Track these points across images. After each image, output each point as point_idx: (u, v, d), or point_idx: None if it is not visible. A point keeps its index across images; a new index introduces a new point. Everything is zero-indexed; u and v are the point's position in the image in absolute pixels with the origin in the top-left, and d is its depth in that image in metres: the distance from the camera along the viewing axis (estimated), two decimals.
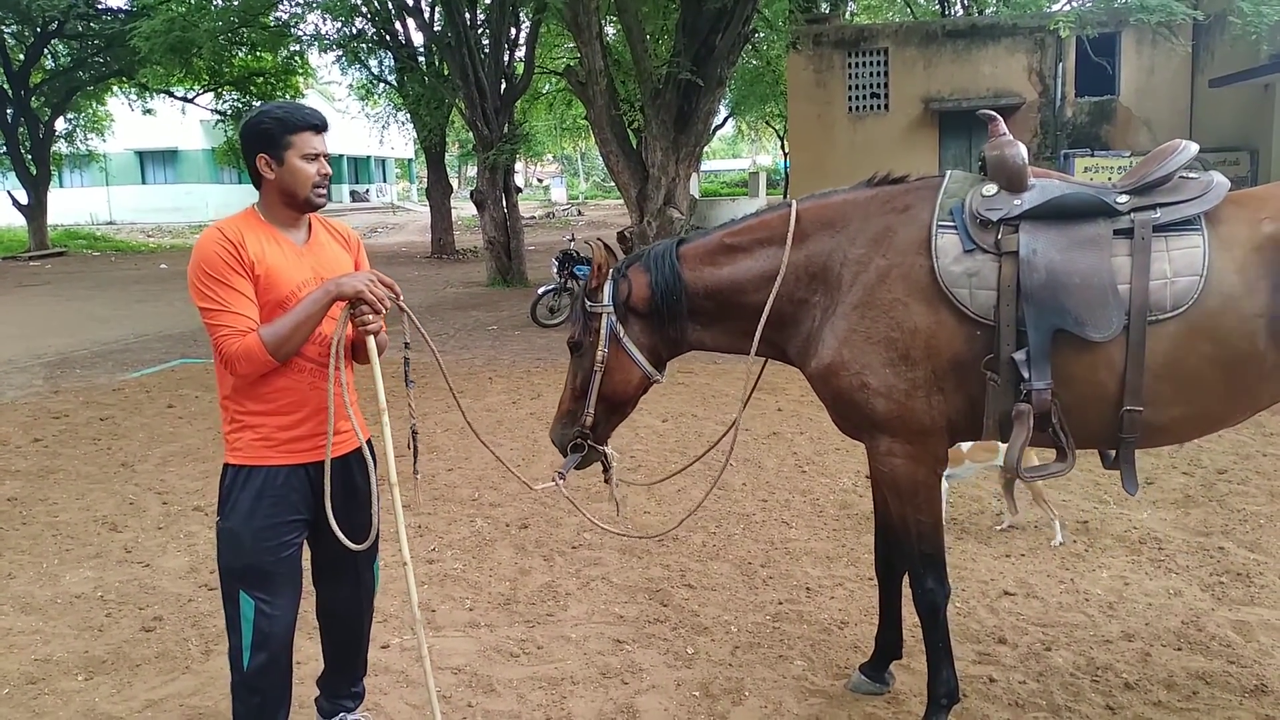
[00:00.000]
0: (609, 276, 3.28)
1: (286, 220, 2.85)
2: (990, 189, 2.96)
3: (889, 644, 3.57)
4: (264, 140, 2.74)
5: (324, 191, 2.85)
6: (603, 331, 3.26)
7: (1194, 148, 2.92)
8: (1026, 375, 2.82)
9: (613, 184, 14.86)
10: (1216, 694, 3.46)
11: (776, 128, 40.54)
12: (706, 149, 28.84)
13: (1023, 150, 2.98)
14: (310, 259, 2.85)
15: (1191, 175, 2.88)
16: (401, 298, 2.88)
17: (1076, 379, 2.85)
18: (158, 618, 4.33)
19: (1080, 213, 2.88)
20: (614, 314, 3.26)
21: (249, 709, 2.88)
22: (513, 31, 19.71)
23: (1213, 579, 4.44)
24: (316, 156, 2.78)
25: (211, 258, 2.68)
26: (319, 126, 2.80)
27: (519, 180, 25.75)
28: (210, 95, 28.99)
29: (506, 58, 19.44)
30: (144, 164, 42.77)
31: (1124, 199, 2.88)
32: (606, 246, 3.31)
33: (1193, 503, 5.46)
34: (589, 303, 3.30)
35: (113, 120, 33.40)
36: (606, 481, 3.59)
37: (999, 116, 3.13)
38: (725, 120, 36.43)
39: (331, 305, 2.74)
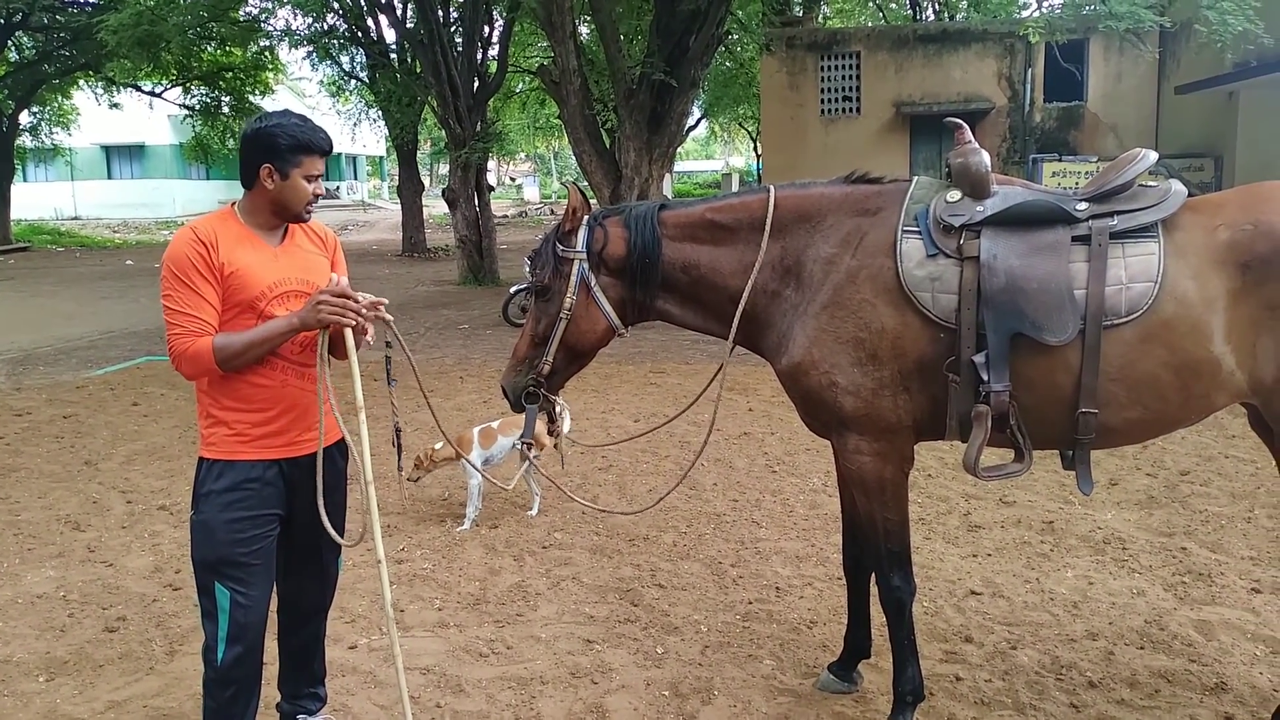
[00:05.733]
0: (583, 223, 3.24)
1: (265, 224, 2.88)
2: (954, 195, 3.00)
3: (857, 643, 3.59)
4: (273, 152, 2.77)
5: (313, 208, 2.90)
6: (573, 278, 3.21)
7: (1153, 156, 2.98)
8: (985, 377, 2.87)
9: (586, 183, 14.84)
10: (1178, 692, 3.51)
11: (750, 129, 40.68)
12: (680, 150, 28.87)
13: (986, 158, 3.03)
14: (285, 260, 2.88)
15: (1150, 183, 2.94)
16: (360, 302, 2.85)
17: (1034, 381, 2.91)
18: (121, 618, 4.27)
19: (1040, 219, 2.93)
20: (586, 261, 3.22)
21: (220, 704, 2.88)
22: (486, 29, 19.64)
23: (1175, 579, 4.51)
24: (316, 177, 2.84)
25: (180, 258, 2.72)
26: (327, 152, 2.86)
27: (492, 179, 25.70)
28: (178, 90, 28.62)
29: (480, 56, 19.35)
30: (110, 159, 42.19)
31: (1083, 206, 2.93)
32: (581, 191, 3.27)
33: (1156, 504, 5.54)
34: (561, 247, 3.24)
35: (78, 114, 32.92)
36: (551, 434, 3.60)
37: (965, 125, 3.16)
38: (699, 121, 36.50)
39: (291, 335, 2.78)
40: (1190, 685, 3.55)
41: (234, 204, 2.89)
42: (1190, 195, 3.01)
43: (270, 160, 2.76)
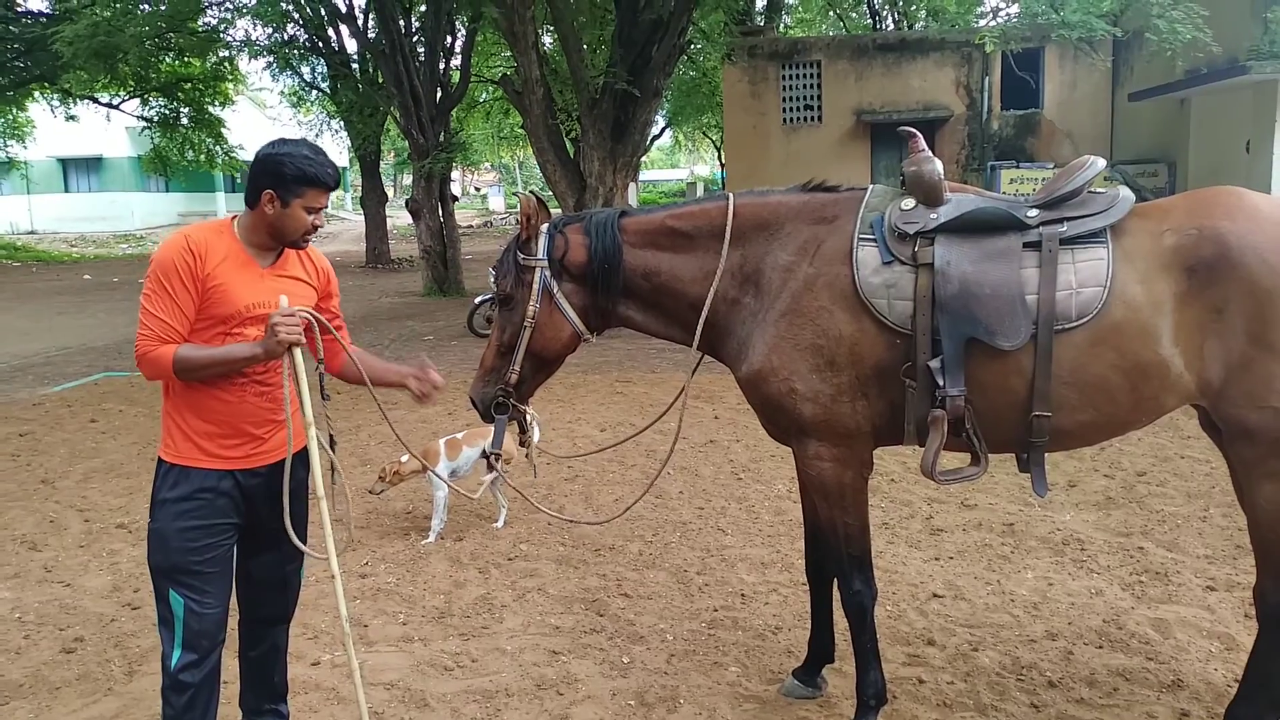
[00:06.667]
0: (543, 230, 3.26)
1: (260, 244, 2.89)
2: (908, 203, 3.05)
3: (821, 648, 3.62)
4: (278, 180, 2.78)
5: (310, 238, 2.92)
6: (535, 285, 3.23)
7: (1101, 163, 3.05)
8: (941, 382, 2.91)
9: (550, 193, 14.84)
10: (1136, 690, 3.57)
11: (713, 138, 40.83)
12: (644, 159, 28.96)
13: (939, 166, 3.08)
14: (270, 283, 2.88)
15: (1100, 190, 3.00)
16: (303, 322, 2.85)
17: (988, 386, 2.95)
18: (79, 638, 4.21)
19: (992, 226, 2.98)
20: (548, 268, 3.23)
21: (176, 710, 2.86)
22: (448, 39, 19.58)
23: (1133, 578, 4.58)
24: (318, 210, 2.86)
25: (168, 264, 2.74)
26: (333, 186, 2.87)
27: (456, 189, 25.56)
28: (136, 101, 28.17)
29: (442, 66, 19.30)
30: (67, 172, 41.42)
31: (1034, 213, 2.99)
32: (537, 198, 3.27)
33: (1114, 504, 5.63)
34: (522, 255, 3.26)
35: (34, 126, 32.35)
36: (522, 444, 3.61)
37: (918, 133, 3.21)
38: (663, 131, 36.56)
39: (253, 364, 2.79)
40: (1148, 683, 3.61)
41: (235, 217, 2.91)
42: (1142, 200, 3.07)
43: (274, 187, 2.78)
